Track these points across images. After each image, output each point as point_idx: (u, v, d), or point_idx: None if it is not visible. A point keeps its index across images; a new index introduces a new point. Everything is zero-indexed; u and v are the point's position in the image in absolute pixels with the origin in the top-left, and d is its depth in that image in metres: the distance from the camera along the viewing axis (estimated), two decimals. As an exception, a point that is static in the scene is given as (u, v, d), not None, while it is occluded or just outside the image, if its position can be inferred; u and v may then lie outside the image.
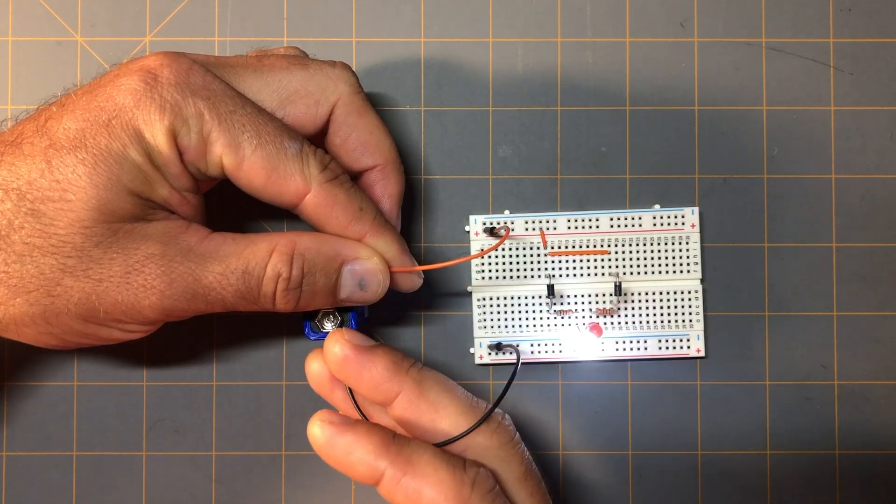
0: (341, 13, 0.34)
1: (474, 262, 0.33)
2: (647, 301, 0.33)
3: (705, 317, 0.33)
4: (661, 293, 0.33)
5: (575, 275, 0.33)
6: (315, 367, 0.28)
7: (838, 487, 0.33)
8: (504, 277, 0.33)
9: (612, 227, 0.33)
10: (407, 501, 0.24)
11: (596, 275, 0.33)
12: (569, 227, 0.33)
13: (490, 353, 0.32)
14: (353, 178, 0.28)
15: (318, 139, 0.29)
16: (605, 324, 0.33)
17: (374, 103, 0.30)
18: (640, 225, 0.33)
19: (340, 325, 0.29)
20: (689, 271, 0.33)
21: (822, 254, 0.33)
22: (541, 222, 0.33)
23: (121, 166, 0.24)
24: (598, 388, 0.33)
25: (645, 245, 0.33)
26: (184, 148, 0.25)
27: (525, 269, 0.33)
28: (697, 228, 0.33)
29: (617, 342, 0.33)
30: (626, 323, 0.33)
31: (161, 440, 0.33)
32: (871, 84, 0.33)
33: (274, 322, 0.33)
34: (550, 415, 0.33)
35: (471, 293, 0.33)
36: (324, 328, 0.29)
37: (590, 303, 0.33)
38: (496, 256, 0.33)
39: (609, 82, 0.34)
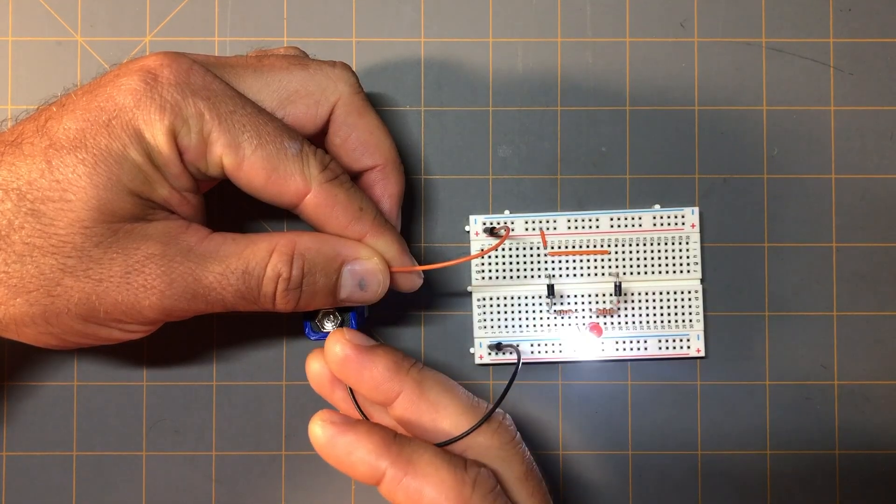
0: (341, 13, 0.34)
1: (474, 262, 0.33)
2: (647, 301, 0.33)
3: (705, 317, 0.33)
4: (661, 293, 0.33)
5: (575, 275, 0.33)
6: (315, 367, 0.28)
7: (838, 487, 0.33)
8: (504, 277, 0.33)
9: (612, 227, 0.33)
10: (408, 501, 0.24)
11: (596, 275, 0.33)
12: (569, 227, 0.33)
13: (490, 353, 0.32)
14: (353, 179, 0.28)
15: (318, 139, 0.29)
16: (605, 324, 0.33)
17: (374, 103, 0.30)
18: (640, 225, 0.33)
19: (341, 325, 0.29)
20: (689, 271, 0.33)
21: (822, 254, 0.33)
22: (541, 222, 0.33)
23: (121, 166, 0.24)
24: (598, 388, 0.33)
25: (645, 245, 0.33)
26: (184, 148, 0.25)
27: (525, 269, 0.33)
28: (697, 228, 0.33)
29: (617, 342, 0.33)
30: (626, 323, 0.33)
31: (161, 440, 0.33)
32: (871, 84, 0.33)
33: (274, 322, 0.33)
34: (550, 415, 0.33)
35: (471, 293, 0.33)
36: (324, 328, 0.29)
37: (590, 303, 0.33)
38: (496, 256, 0.33)
39: (609, 82, 0.34)
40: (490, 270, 0.33)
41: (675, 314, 0.33)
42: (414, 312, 0.33)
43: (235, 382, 0.33)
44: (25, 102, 0.33)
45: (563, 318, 0.33)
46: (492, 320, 0.33)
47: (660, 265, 0.33)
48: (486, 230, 0.33)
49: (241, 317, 0.33)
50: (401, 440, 0.24)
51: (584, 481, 0.33)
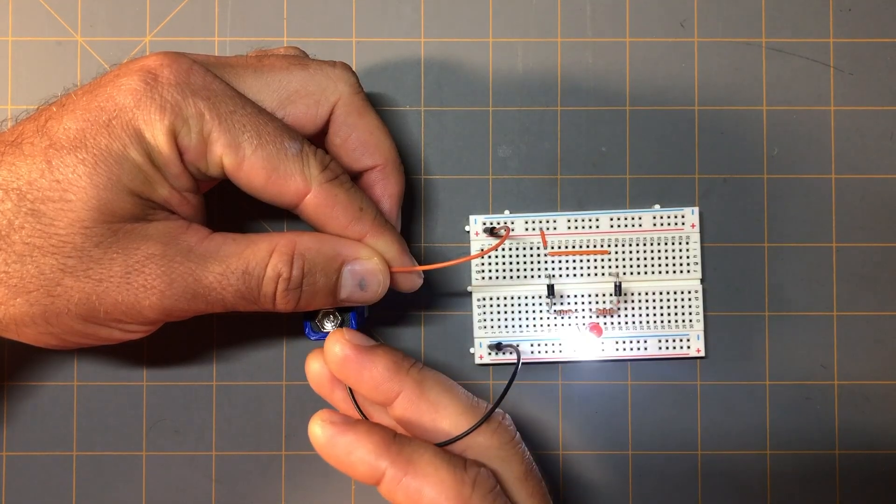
0: (341, 13, 0.34)
1: (474, 262, 0.33)
2: (647, 301, 0.33)
3: (705, 317, 0.33)
4: (660, 293, 0.33)
5: (575, 275, 0.33)
6: (315, 367, 0.28)
7: (838, 487, 0.33)
8: (504, 277, 0.33)
9: (612, 227, 0.33)
10: (408, 501, 0.24)
11: (596, 275, 0.33)
12: (569, 227, 0.33)
13: (490, 353, 0.32)
14: (353, 179, 0.28)
15: (318, 139, 0.29)
16: (605, 324, 0.33)
17: (374, 103, 0.30)
18: (640, 225, 0.33)
19: (341, 325, 0.29)
20: (689, 271, 0.33)
21: (822, 254, 0.33)
22: (541, 222, 0.33)
23: (121, 166, 0.24)
24: (598, 388, 0.33)
25: (645, 245, 0.33)
26: (184, 148, 0.25)
27: (525, 269, 0.33)
28: (697, 228, 0.33)
29: (617, 342, 0.33)
30: (626, 323, 0.33)
31: (161, 440, 0.33)
32: (871, 84, 0.33)
33: (274, 322, 0.33)
34: (550, 415, 0.33)
35: (471, 293, 0.33)
36: (324, 328, 0.29)
37: (590, 303, 0.33)
38: (496, 256, 0.33)
39: (609, 82, 0.34)
40: (490, 270, 0.33)
41: (675, 314, 0.33)
42: (414, 312, 0.33)
43: (235, 382, 0.33)
44: (25, 102, 0.33)
45: (563, 318, 0.33)
46: (492, 320, 0.33)
47: (660, 265, 0.33)
48: (486, 230, 0.33)
49: (241, 317, 0.33)
50: (400, 440, 0.24)
51: (584, 481, 0.33)
